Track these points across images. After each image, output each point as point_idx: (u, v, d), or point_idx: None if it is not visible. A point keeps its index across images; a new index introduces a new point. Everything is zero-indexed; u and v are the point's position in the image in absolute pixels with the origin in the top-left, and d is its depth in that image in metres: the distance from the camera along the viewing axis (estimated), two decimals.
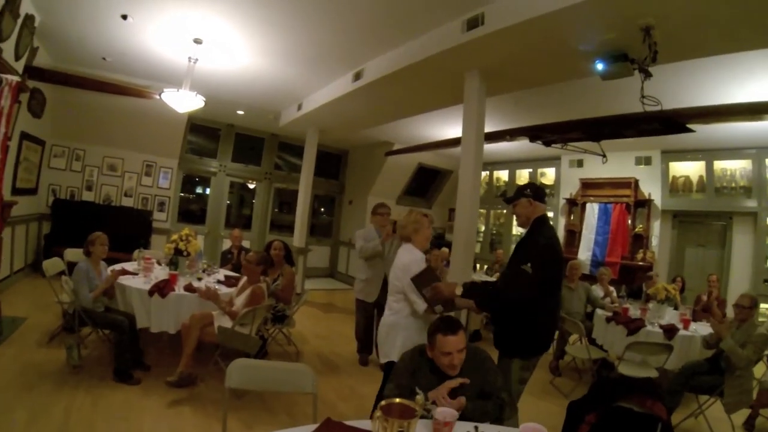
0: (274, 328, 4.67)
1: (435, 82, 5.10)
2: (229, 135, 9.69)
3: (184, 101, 5.29)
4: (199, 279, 4.45)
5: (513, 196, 2.80)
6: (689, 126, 4.71)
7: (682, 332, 4.48)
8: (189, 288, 4.04)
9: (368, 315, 4.86)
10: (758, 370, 4.03)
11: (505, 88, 4.98)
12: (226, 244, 7.78)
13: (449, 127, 7.75)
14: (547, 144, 6.51)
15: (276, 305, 4.52)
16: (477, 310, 2.90)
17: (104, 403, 3.22)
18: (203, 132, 9.53)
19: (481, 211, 10.56)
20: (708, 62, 4.13)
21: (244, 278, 4.11)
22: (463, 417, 1.88)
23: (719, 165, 7.40)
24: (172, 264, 4.41)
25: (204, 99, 5.39)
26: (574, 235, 8.82)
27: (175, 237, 4.54)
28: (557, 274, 2.66)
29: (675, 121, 4.64)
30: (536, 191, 2.75)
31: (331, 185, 11.42)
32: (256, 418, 3.29)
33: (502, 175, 10.56)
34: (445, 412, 1.71)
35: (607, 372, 4.84)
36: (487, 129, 5.72)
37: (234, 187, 10.30)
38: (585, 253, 8.34)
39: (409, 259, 2.95)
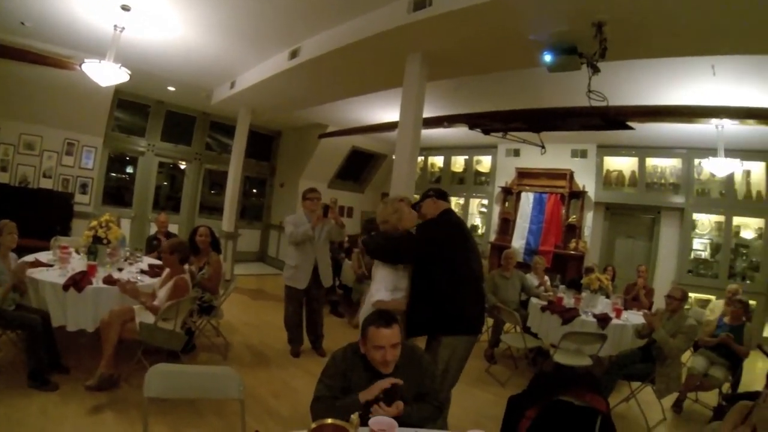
0: (201, 320, 4.37)
1: (375, 64, 4.92)
2: (158, 112, 9.02)
3: (106, 74, 4.78)
4: (121, 270, 4.06)
5: (419, 200, 3.08)
6: (629, 123, 4.84)
7: (614, 321, 4.61)
8: (109, 280, 3.64)
9: (298, 303, 4.66)
10: (685, 356, 4.23)
11: (448, 73, 4.85)
12: (154, 229, 7.25)
13: (385, 110, 7.59)
14: (486, 132, 6.54)
15: (202, 296, 4.22)
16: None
17: (18, 415, 2.84)
18: (131, 108, 8.80)
19: (416, 196, 10.52)
20: (649, 63, 4.24)
21: (167, 269, 3.77)
22: (402, 423, 1.75)
23: (651, 162, 7.79)
24: (91, 254, 3.98)
25: (129, 72, 4.90)
26: (508, 223, 8.98)
27: (94, 223, 4.10)
28: (440, 251, 2.73)
29: (616, 118, 4.76)
30: (439, 192, 3.06)
31: (263, 167, 11.01)
32: (182, 421, 3.03)
33: (437, 160, 10.45)
34: (381, 421, 1.59)
35: (542, 360, 4.96)
36: (426, 114, 5.62)
37: (163, 168, 9.64)
38: (519, 241, 8.51)
39: None
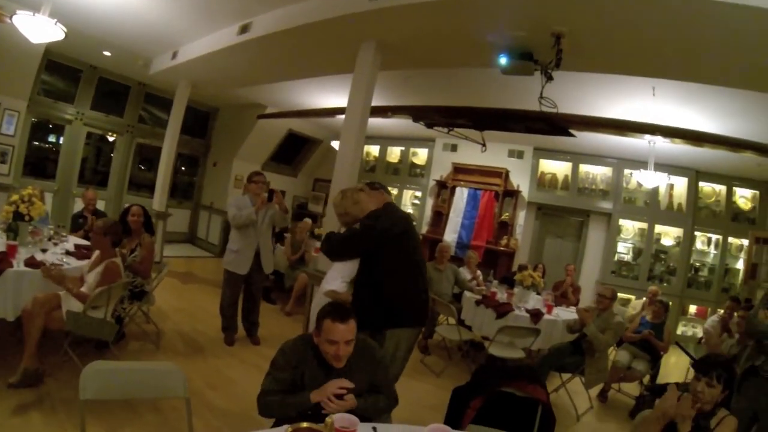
0: (131, 306, 4.09)
1: (328, 48, 4.81)
2: (91, 78, 8.22)
3: (40, 29, 4.27)
4: (45, 251, 3.69)
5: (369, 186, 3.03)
6: (571, 131, 5.08)
7: (546, 317, 4.87)
8: (31, 262, 3.28)
9: (237, 289, 4.53)
10: (609, 350, 4.56)
11: (400, 64, 4.83)
12: (79, 205, 6.67)
13: (327, 95, 7.44)
14: (430, 126, 6.57)
15: (134, 280, 3.95)
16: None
17: None
18: (61, 72, 7.92)
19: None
20: (596, 76, 4.45)
21: (97, 252, 3.48)
22: (358, 417, 1.74)
23: (584, 168, 8.25)
24: (10, 231, 3.59)
25: (65, 30, 4.43)
26: (441, 216, 9.09)
27: (15, 197, 3.68)
28: (385, 244, 2.74)
29: (560, 125, 4.97)
30: (382, 185, 3.08)
31: (197, 144, 10.44)
32: (118, 421, 2.78)
33: (373, 150, 10.37)
34: (344, 418, 1.57)
35: (474, 351, 5.14)
36: (378, 103, 5.57)
37: (90, 139, 8.84)
38: (451, 234, 8.64)
39: None
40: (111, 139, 9.04)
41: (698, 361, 2.32)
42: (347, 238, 2.81)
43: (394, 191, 9.86)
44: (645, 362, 4.59)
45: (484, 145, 6.63)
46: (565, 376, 4.30)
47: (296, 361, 1.95)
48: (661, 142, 5.78)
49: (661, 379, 4.68)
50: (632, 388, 4.80)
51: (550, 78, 3.80)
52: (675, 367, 5.10)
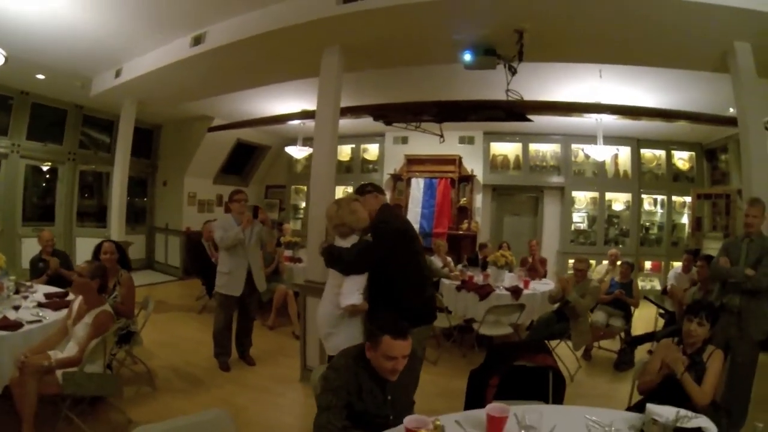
0: (119, 350, 3.82)
1: (290, 54, 4.72)
2: (23, 106, 7.44)
3: None
4: (17, 308, 3.36)
5: (358, 195, 3.01)
6: (528, 116, 5.31)
7: (525, 291, 5.13)
8: (5, 324, 2.98)
9: (232, 312, 4.46)
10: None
11: (363, 65, 4.83)
12: (29, 247, 6.14)
13: (276, 102, 7.29)
14: (389, 123, 6.61)
15: (117, 321, 3.65)
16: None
17: None
18: None
19: (301, 187, 10.52)
20: (547, 64, 4.68)
21: (79, 298, 3.19)
22: None
23: (533, 147, 8.66)
24: None
25: (5, 55, 4.01)
26: (400, 209, 9.01)
27: None
28: (397, 245, 2.78)
29: (519, 111, 5.17)
30: (376, 187, 3.08)
31: (143, 165, 9.90)
32: None
33: None
34: (497, 407, 1.75)
35: (462, 335, 5.25)
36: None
37: (28, 172, 8.16)
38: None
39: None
40: (44, 168, 8.36)
41: (689, 306, 2.69)
42: (366, 249, 2.77)
43: (349, 189, 9.78)
44: (620, 318, 5.07)
45: (441, 136, 6.75)
46: (554, 343, 4.51)
47: (349, 377, 1.96)
48: (607, 118, 6.15)
49: (634, 331, 5.19)
50: (609, 344, 5.24)
51: (514, 72, 3.95)
52: (642, 319, 5.58)
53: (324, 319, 2.89)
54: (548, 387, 2.69)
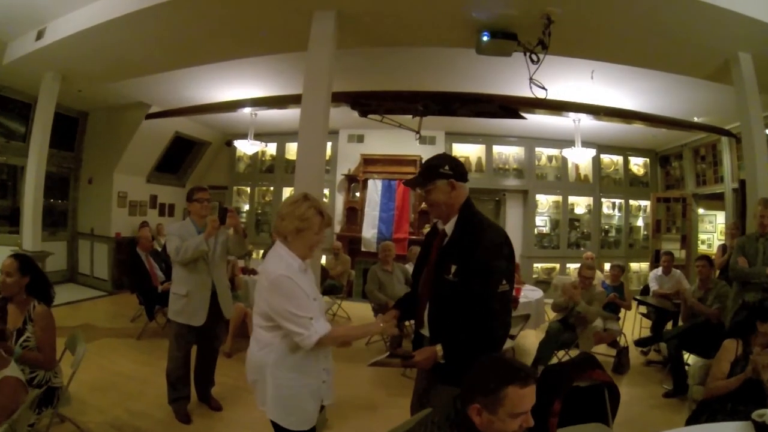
0: (39, 418, 2.51)
1: (269, 18, 3.96)
2: None
3: None
4: None
5: (423, 176, 1.94)
6: (522, 113, 5.15)
7: (520, 300, 4.84)
8: None
9: (190, 345, 3.39)
10: None
11: (357, 41, 4.21)
12: None
13: (225, 87, 6.36)
14: (364, 114, 6.13)
15: (33, 374, 2.55)
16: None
17: None
18: None
19: (244, 188, 9.84)
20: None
21: None
22: None
23: (496, 149, 8.59)
24: None
25: None
26: (355, 212, 8.65)
27: None
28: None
29: (512, 107, 4.98)
30: (457, 167, 1.93)
31: (65, 158, 8.37)
32: None
33: (269, 148, 9.53)
34: None
35: None
36: (291, 90, 4.76)
37: None
38: (370, 230, 8.29)
39: (275, 269, 1.88)
40: None
41: (758, 309, 2.69)
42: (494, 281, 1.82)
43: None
44: (615, 321, 5.02)
45: (418, 132, 6.38)
46: (560, 353, 4.47)
47: None
48: (586, 120, 6.17)
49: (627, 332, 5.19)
50: (604, 348, 5.12)
51: (536, 61, 3.70)
52: (632, 319, 5.61)
53: (249, 361, 2.02)
54: (605, 405, 2.41)
